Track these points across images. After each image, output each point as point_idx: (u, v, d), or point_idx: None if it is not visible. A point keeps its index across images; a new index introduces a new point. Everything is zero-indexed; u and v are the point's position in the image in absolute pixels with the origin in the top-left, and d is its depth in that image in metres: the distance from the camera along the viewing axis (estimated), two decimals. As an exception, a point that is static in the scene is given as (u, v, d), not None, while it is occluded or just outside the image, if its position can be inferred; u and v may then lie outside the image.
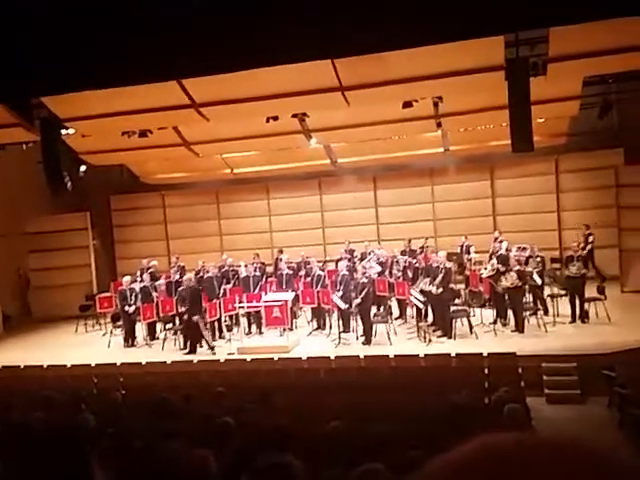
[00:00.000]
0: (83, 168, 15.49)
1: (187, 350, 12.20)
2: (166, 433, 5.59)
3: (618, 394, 8.30)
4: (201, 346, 12.19)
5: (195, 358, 11.29)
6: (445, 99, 12.21)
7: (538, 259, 12.74)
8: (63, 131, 11.89)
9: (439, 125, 13.81)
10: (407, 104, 11.91)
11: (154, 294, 13.55)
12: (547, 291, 12.71)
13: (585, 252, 13.47)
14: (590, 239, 14.59)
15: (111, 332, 13.68)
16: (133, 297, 13.11)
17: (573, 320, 11.90)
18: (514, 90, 9.41)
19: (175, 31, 7.99)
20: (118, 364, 11.21)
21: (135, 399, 8.19)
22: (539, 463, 0.72)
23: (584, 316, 11.87)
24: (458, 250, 15.37)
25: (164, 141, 14.06)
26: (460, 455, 0.76)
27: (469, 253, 15.21)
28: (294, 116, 13.01)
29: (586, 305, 11.93)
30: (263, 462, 3.46)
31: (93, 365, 11.22)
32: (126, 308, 13.00)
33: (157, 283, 14.13)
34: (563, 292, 12.41)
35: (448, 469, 0.76)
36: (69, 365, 11.16)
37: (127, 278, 13.55)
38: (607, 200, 15.08)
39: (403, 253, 14.58)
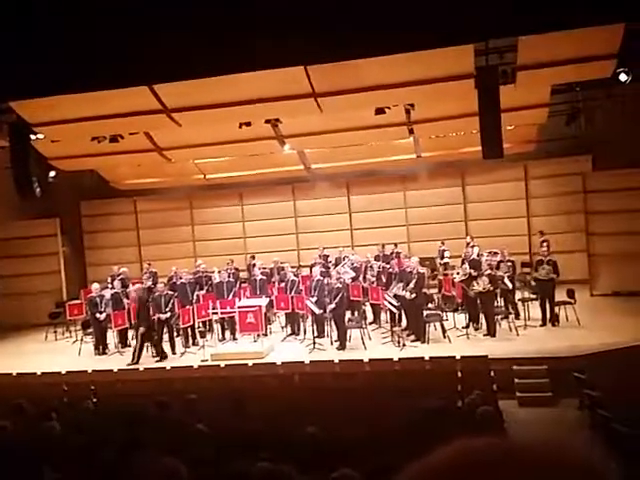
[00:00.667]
0: (52, 173, 15.27)
1: (158, 358, 12.13)
2: (138, 442, 5.53)
3: (588, 396, 8.43)
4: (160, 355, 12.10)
5: (168, 365, 11.18)
6: (417, 106, 12.34)
7: (509, 264, 12.91)
8: (32, 136, 11.72)
9: (411, 132, 13.94)
10: (379, 111, 12.00)
11: (125, 301, 13.39)
12: (518, 295, 12.90)
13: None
14: (545, 245, 14.93)
15: (81, 340, 13.48)
16: (103, 304, 12.95)
17: (544, 323, 12.09)
18: (484, 98, 9.55)
19: (146, 36, 7.93)
20: (89, 372, 11.04)
21: (107, 407, 8.08)
22: (515, 467, 0.73)
23: (554, 319, 12.06)
24: (437, 255, 15.54)
25: (135, 146, 13.92)
26: (437, 460, 0.78)
27: (443, 258, 15.39)
28: (267, 122, 13.00)
29: (556, 309, 12.12)
30: (247, 468, 3.45)
31: (64, 373, 11.03)
32: (97, 315, 12.83)
33: (128, 290, 13.98)
34: (534, 296, 12.60)
35: (426, 474, 0.77)
36: (39, 373, 10.96)
37: (96, 285, 13.38)
38: (575, 206, 15.37)
39: (377, 258, 14.66)
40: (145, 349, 12.27)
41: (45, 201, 14.07)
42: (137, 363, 11.90)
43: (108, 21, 7.73)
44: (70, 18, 7.68)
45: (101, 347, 12.96)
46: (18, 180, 11.18)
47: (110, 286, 13.80)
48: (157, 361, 12.07)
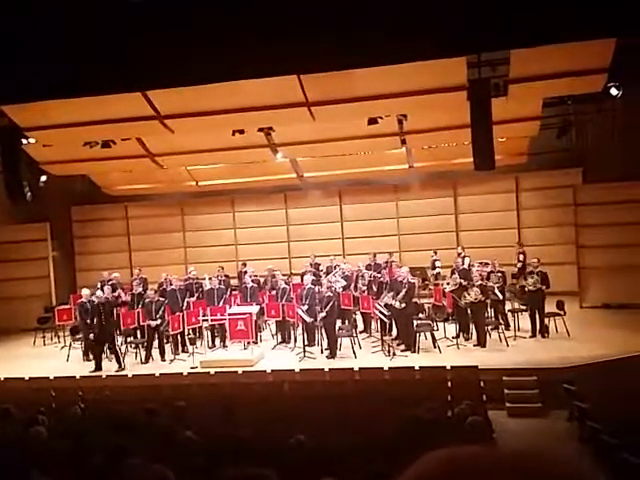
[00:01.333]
0: (44, 178, 15.21)
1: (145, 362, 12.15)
2: (126, 449, 5.50)
3: (578, 408, 8.46)
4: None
5: (157, 372, 11.12)
6: (409, 117, 12.42)
7: (499, 274, 12.97)
8: (24, 140, 11.68)
9: (403, 142, 14.01)
10: (372, 121, 12.07)
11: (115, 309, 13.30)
12: (508, 306, 12.95)
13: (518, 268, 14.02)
14: (521, 257, 15.14)
15: (70, 345, 13.38)
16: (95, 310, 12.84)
17: (533, 335, 12.12)
18: (476, 110, 9.61)
19: (140, 42, 7.94)
20: (77, 377, 10.97)
21: (95, 413, 8.03)
22: (501, 476, 0.74)
23: (544, 331, 12.10)
24: (429, 265, 15.62)
25: (127, 152, 13.90)
26: (426, 467, 0.78)
27: (434, 268, 15.46)
28: (260, 130, 13.03)
29: (546, 320, 12.17)
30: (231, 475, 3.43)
31: (52, 378, 10.95)
32: (87, 321, 12.73)
33: (118, 295, 13.92)
34: (524, 307, 12.65)
35: None
36: (27, 378, 10.87)
37: (86, 291, 13.27)
38: (566, 218, 15.46)
39: (368, 267, 14.68)
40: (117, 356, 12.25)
41: (36, 205, 14.01)
42: (99, 370, 11.91)
43: (104, 27, 7.74)
44: (65, 23, 7.68)
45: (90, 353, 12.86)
46: (9, 184, 11.13)
47: (99, 292, 13.72)
48: (142, 363, 12.14)
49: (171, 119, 11.19)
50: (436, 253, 15.97)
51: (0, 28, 7.69)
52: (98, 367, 12.01)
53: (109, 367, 12.10)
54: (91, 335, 12.11)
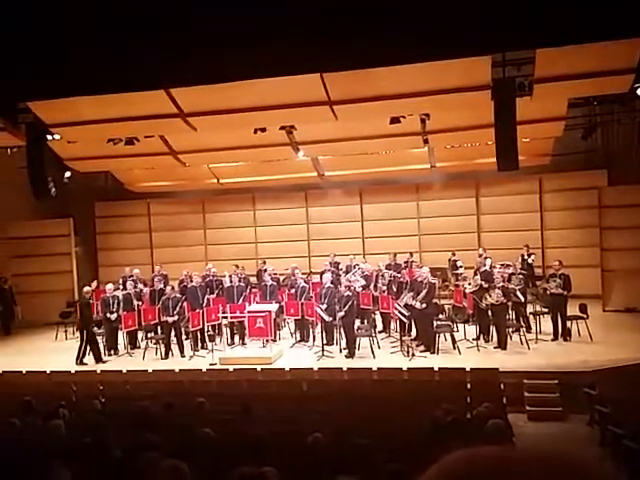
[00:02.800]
0: (68, 174, 15.40)
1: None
2: (144, 444, 5.54)
3: (599, 412, 8.35)
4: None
5: (177, 367, 11.20)
6: (432, 116, 12.33)
7: (521, 276, 12.84)
8: (49, 137, 11.83)
9: (426, 142, 13.93)
10: (394, 120, 12.01)
11: (135, 302, 13.45)
12: (530, 308, 12.81)
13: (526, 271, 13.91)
14: (531, 259, 15.07)
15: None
16: (115, 305, 13.00)
17: (555, 338, 11.98)
18: (500, 109, 9.52)
19: (165, 41, 7.99)
20: (98, 372, 11.09)
21: (115, 408, 8.10)
22: (523, 477, 0.72)
23: (566, 334, 11.95)
24: (448, 266, 15.52)
25: (151, 149, 14.02)
26: (446, 468, 0.77)
27: (456, 269, 15.34)
28: (282, 128, 13.05)
29: (568, 323, 12.02)
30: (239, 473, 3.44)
31: (73, 372, 11.08)
32: (108, 315, 12.88)
33: (140, 291, 14.07)
34: (546, 310, 12.51)
35: None
36: (48, 371, 11.02)
37: (110, 286, 13.44)
38: (590, 220, 15.26)
39: (388, 267, 14.63)
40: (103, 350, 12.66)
41: (60, 201, 14.19)
42: (80, 363, 12.26)
43: (129, 25, 7.80)
44: (91, 20, 7.75)
45: (111, 347, 13.00)
46: (33, 180, 11.28)
47: (121, 287, 13.87)
48: (162, 359, 12.30)
49: (194, 117, 11.25)
50: (454, 254, 15.85)
51: (25, 26, 7.79)
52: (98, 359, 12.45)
53: (128, 362, 12.22)
54: (94, 328, 12.53)
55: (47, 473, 2.27)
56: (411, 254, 15.86)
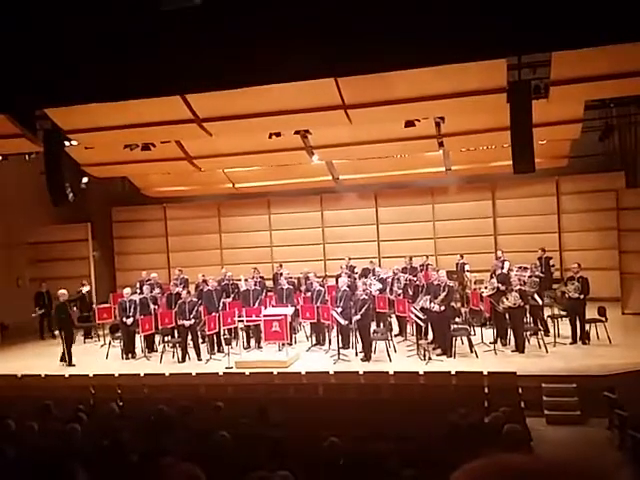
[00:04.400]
0: (85, 180, 15.55)
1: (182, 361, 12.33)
2: (161, 447, 5.57)
3: (618, 416, 8.26)
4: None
5: (194, 371, 11.25)
6: (447, 119, 12.29)
7: (536, 279, 12.74)
8: (66, 143, 11.95)
9: (441, 145, 13.88)
10: (409, 123, 11.98)
11: (152, 306, 13.54)
12: (548, 311, 12.71)
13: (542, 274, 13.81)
14: (551, 262, 15.01)
15: (110, 343, 13.65)
16: (132, 309, 13.11)
17: (574, 341, 11.87)
18: (516, 112, 9.46)
19: (180, 46, 8.05)
20: (116, 375, 11.18)
21: (132, 411, 8.16)
22: None
23: (585, 337, 11.84)
24: (454, 268, 15.45)
25: (167, 155, 14.12)
26: (472, 475, 0.77)
27: (464, 272, 15.26)
28: (297, 133, 13.08)
29: (587, 326, 11.90)
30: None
31: (91, 376, 11.18)
32: (125, 320, 12.98)
33: (156, 294, 14.19)
34: (564, 313, 12.40)
35: None
36: (67, 375, 11.13)
37: (127, 290, 13.55)
38: (608, 223, 15.12)
39: (404, 270, 14.60)
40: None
41: (77, 207, 14.32)
42: (70, 364, 12.56)
43: (143, 33, 7.87)
44: (106, 27, 7.83)
45: (128, 351, 13.10)
46: (51, 186, 11.38)
47: (139, 291, 13.97)
48: (179, 362, 12.36)
49: (209, 122, 11.31)
50: (462, 257, 15.73)
51: (42, 33, 7.89)
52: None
53: (146, 365, 12.30)
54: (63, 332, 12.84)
55: (68, 476, 2.30)
56: (427, 257, 15.80)
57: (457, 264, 15.56)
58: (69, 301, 13.31)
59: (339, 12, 7.49)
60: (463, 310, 13.26)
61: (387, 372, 10.18)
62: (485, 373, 9.45)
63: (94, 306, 15.21)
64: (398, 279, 13.76)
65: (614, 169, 15.65)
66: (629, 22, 7.30)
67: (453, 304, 12.35)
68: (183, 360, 12.44)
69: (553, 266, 15.21)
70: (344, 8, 7.48)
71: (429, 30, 7.60)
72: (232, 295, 14.36)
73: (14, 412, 7.48)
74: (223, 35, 7.95)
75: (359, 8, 7.48)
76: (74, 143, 12.24)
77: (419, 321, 11.75)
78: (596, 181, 15.92)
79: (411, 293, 13.17)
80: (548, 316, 12.56)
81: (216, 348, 12.95)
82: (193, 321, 12.52)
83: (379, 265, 15.75)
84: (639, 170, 14.95)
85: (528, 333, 11.96)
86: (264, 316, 12.35)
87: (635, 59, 8.87)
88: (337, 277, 14.36)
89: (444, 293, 11.64)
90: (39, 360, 13.30)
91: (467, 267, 15.36)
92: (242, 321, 12.86)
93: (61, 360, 12.79)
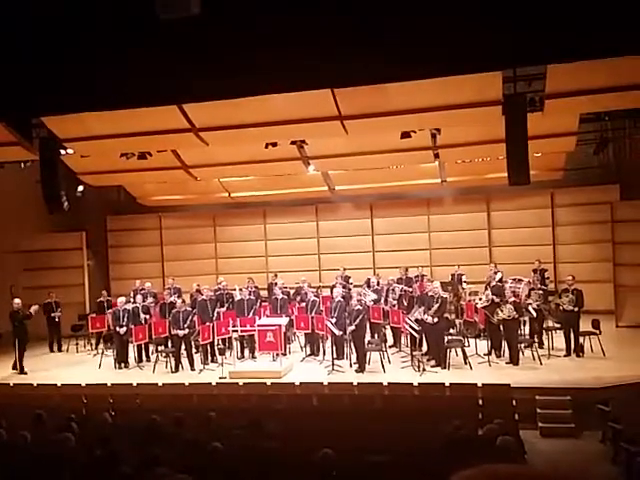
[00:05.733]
0: (81, 188, 15.52)
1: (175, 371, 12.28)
2: (154, 458, 5.54)
3: (612, 429, 8.25)
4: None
5: (187, 381, 11.19)
6: (443, 131, 12.35)
7: (540, 292, 12.76)
8: (62, 151, 11.94)
9: (436, 156, 13.94)
10: (405, 135, 12.03)
11: (143, 316, 13.46)
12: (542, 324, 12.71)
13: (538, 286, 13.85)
14: (546, 274, 15.05)
15: (102, 353, 13.58)
16: (126, 318, 13.06)
17: (568, 354, 11.87)
18: (511, 125, 9.51)
19: (176, 55, 8.08)
20: (109, 385, 11.11)
21: (125, 421, 8.11)
22: None
23: (579, 350, 11.85)
24: (449, 279, 15.46)
25: (163, 164, 14.12)
26: None
27: (461, 283, 15.27)
28: (293, 143, 13.11)
29: (581, 339, 11.92)
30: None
31: (83, 385, 11.11)
32: (118, 329, 12.93)
33: (149, 304, 14.13)
34: (558, 325, 12.41)
35: None
36: (59, 384, 11.05)
37: (122, 299, 13.50)
38: (603, 235, 15.17)
39: (399, 281, 14.59)
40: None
41: (72, 215, 14.31)
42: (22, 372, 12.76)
43: (139, 42, 7.89)
44: (102, 37, 7.85)
45: (121, 361, 13.02)
46: (47, 194, 11.37)
47: (132, 300, 13.93)
48: (172, 372, 12.29)
49: (206, 132, 11.33)
50: (459, 267, 15.77)
51: (39, 42, 7.90)
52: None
53: (139, 375, 12.23)
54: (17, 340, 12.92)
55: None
56: (421, 268, 15.81)
57: (453, 275, 15.58)
58: (19, 320, 13.13)
59: (336, 23, 7.53)
60: (457, 321, 13.25)
61: (381, 383, 10.15)
62: (479, 385, 9.43)
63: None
64: (393, 290, 13.75)
65: (609, 182, 15.74)
66: (624, 35, 7.37)
67: (447, 315, 12.35)
68: (176, 370, 12.40)
69: (547, 278, 15.29)
70: (341, 20, 7.52)
71: (425, 43, 7.65)
72: (226, 305, 14.31)
73: (5, 421, 7.43)
74: (220, 45, 7.99)
75: (356, 20, 7.53)
76: (70, 151, 12.23)
77: (413, 332, 11.74)
78: (591, 194, 16.01)
79: (406, 304, 13.17)
80: (543, 328, 12.57)
81: (210, 358, 12.90)
82: (187, 331, 12.48)
83: (374, 275, 15.70)
84: (634, 183, 15.02)
85: (522, 345, 11.96)
86: (258, 326, 12.32)
87: (630, 72, 8.95)
88: (332, 287, 14.33)
89: (437, 305, 11.65)
90: (31, 369, 13.19)
91: (464, 278, 15.40)
92: (236, 331, 12.82)
93: (13, 368, 12.88)
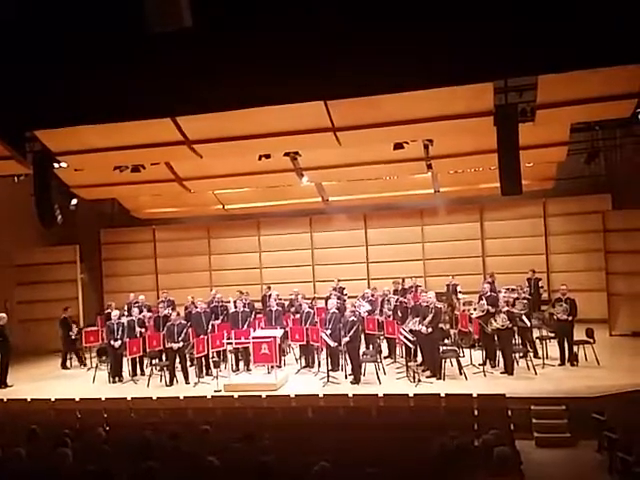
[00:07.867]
0: (74, 201, 15.49)
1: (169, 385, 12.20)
2: (149, 473, 5.50)
3: (607, 438, 8.25)
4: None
5: (181, 395, 11.13)
6: (435, 142, 12.42)
7: (525, 301, 12.79)
8: (55, 165, 11.93)
9: (429, 167, 14.00)
10: (398, 146, 12.10)
11: (138, 329, 13.42)
12: (536, 333, 12.73)
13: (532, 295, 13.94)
14: (540, 284, 15.24)
15: (96, 367, 13.51)
16: (120, 331, 13.00)
17: (562, 363, 11.89)
18: (503, 135, 9.58)
19: (170, 69, 8.11)
20: (103, 399, 11.03)
21: (119, 436, 8.05)
22: None
23: (573, 359, 11.87)
24: (445, 289, 15.48)
25: (156, 176, 14.11)
26: None
27: (456, 293, 15.30)
28: (286, 154, 13.14)
29: (575, 348, 11.94)
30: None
31: (77, 400, 11.03)
32: (112, 342, 12.87)
33: (144, 317, 14.09)
34: (552, 334, 12.43)
35: None
36: (53, 399, 10.97)
37: (115, 312, 13.45)
38: (595, 244, 15.24)
39: (395, 292, 14.60)
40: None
41: (66, 228, 14.25)
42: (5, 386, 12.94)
43: (133, 56, 7.92)
44: (96, 51, 7.88)
45: (115, 375, 12.95)
46: (40, 207, 11.34)
47: (126, 314, 13.87)
48: (167, 386, 12.23)
49: (199, 144, 11.35)
50: (453, 277, 15.80)
51: (32, 56, 7.92)
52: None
53: (133, 389, 12.16)
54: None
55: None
56: (414, 278, 15.81)
57: (448, 285, 15.60)
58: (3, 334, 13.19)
59: (328, 36, 7.58)
60: (452, 332, 13.25)
61: (376, 395, 10.12)
62: (474, 395, 9.41)
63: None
64: (388, 300, 13.75)
65: (600, 191, 15.86)
66: (614, 45, 7.45)
67: (442, 326, 12.35)
68: (171, 383, 12.34)
69: (542, 287, 15.36)
70: (333, 32, 7.57)
71: (417, 54, 7.71)
72: (221, 317, 14.28)
73: (0, 437, 7.37)
74: (213, 58, 8.02)
75: (348, 32, 7.58)
76: (63, 165, 12.22)
77: (408, 343, 11.74)
78: (583, 203, 16.12)
79: (400, 315, 13.17)
80: (537, 337, 12.59)
81: (204, 371, 12.84)
82: (181, 344, 12.43)
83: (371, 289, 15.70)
84: (625, 192, 15.12)
85: (517, 355, 11.97)
86: (253, 338, 12.30)
87: (620, 82, 9.04)
88: (326, 299, 14.32)
89: (431, 315, 11.66)
90: (25, 384, 13.12)
91: (459, 288, 15.42)
92: (231, 343, 12.78)
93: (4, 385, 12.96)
